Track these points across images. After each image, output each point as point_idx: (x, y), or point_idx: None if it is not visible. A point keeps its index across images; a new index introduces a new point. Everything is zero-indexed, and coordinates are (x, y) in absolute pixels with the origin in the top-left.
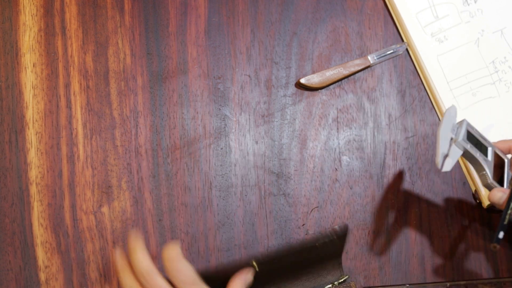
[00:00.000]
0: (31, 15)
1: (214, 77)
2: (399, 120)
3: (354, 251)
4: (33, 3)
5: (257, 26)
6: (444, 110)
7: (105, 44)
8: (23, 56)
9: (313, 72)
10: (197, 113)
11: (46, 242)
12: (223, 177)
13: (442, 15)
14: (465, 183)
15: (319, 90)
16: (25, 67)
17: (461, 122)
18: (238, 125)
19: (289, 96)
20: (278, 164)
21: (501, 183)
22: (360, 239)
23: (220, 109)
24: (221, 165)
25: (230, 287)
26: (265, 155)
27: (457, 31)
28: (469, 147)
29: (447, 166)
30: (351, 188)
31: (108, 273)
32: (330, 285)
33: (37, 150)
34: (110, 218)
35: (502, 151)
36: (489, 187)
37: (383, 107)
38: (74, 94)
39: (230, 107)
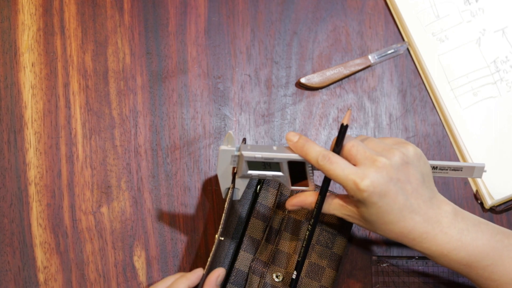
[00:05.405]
0: (30, 14)
1: (214, 77)
2: (400, 120)
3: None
4: (32, 2)
5: (257, 25)
6: (445, 110)
7: (104, 43)
8: (22, 56)
9: (314, 72)
10: (197, 113)
11: (45, 242)
12: None
13: (443, 14)
14: (466, 183)
15: (320, 90)
16: (24, 67)
17: (240, 156)
18: (238, 125)
19: (289, 96)
20: None
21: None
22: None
23: (220, 109)
24: None
25: None
26: None
27: (458, 30)
28: (254, 174)
29: (238, 195)
30: None
31: (107, 274)
32: (259, 185)
33: (36, 150)
34: (110, 218)
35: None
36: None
37: (384, 106)
38: (73, 93)
39: (230, 107)
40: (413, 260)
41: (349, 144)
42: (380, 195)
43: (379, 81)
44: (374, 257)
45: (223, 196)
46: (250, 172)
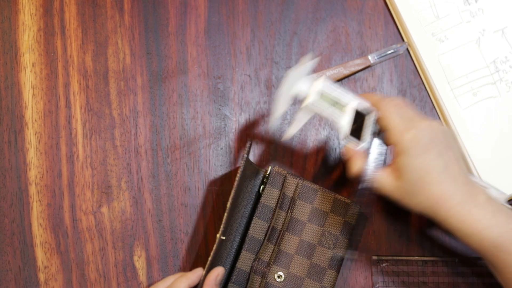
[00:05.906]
0: (31, 15)
1: (214, 77)
2: None
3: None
4: (33, 3)
5: (257, 25)
6: (445, 110)
7: (104, 43)
8: (22, 56)
9: (314, 72)
10: (197, 113)
11: (46, 242)
12: (223, 177)
13: (443, 14)
14: None
15: None
16: (25, 67)
17: (315, 84)
18: (238, 125)
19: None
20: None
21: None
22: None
23: (220, 109)
24: (221, 165)
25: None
26: None
27: (458, 30)
28: (319, 107)
29: (292, 132)
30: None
31: (107, 274)
32: (262, 185)
33: (37, 150)
34: (110, 218)
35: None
36: (346, 141)
37: None
38: (73, 94)
39: (230, 107)
40: (413, 260)
41: (399, 100)
42: (423, 148)
43: (379, 81)
44: (374, 257)
45: (271, 124)
46: (317, 104)
